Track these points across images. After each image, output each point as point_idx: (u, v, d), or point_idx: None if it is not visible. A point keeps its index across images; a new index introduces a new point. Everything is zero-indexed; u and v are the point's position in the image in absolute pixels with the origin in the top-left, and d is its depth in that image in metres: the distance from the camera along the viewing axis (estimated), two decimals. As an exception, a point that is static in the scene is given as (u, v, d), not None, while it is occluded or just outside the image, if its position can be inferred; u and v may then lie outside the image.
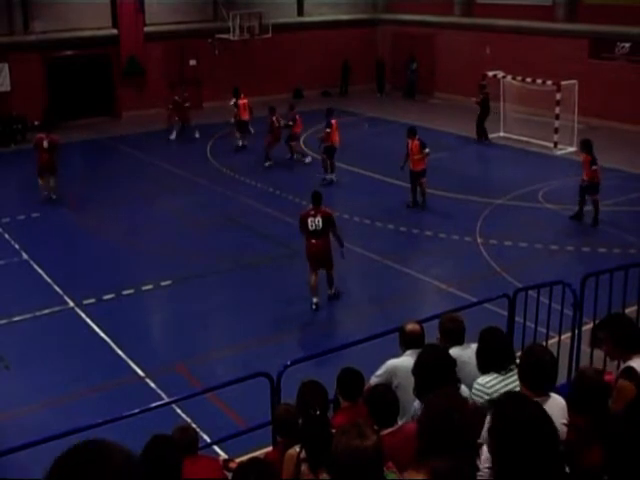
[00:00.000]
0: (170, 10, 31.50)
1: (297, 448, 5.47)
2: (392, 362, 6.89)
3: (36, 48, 28.83)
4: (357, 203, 19.70)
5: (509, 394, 4.47)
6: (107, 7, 30.53)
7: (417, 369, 5.70)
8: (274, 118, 23.81)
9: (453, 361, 5.76)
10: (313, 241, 13.35)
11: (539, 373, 5.17)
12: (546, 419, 3.83)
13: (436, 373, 5.50)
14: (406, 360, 6.64)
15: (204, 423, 9.02)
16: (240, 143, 25.70)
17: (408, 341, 6.91)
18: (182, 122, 27.57)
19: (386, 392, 5.86)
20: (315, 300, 13.58)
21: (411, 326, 7.01)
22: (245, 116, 25.58)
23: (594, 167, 17.45)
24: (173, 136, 27.41)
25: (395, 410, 5.68)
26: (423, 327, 7.07)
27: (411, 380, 5.77)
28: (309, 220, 13.34)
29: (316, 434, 5.29)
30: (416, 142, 19.06)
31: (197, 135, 27.36)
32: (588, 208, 17.67)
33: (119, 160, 22.56)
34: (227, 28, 31.53)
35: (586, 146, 17.74)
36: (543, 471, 3.66)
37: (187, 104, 27.77)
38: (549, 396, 5.17)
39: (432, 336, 7.10)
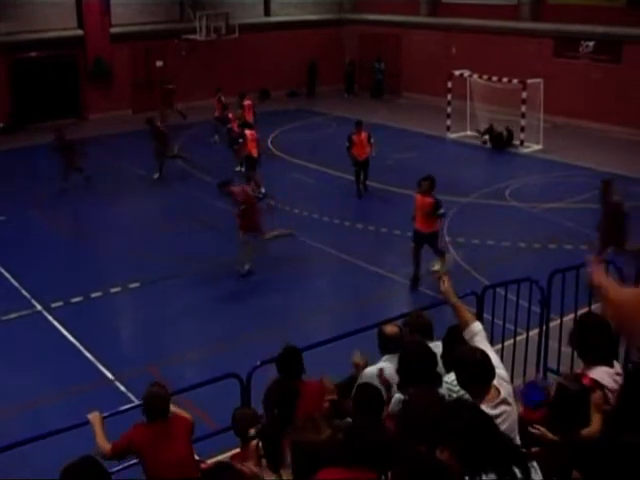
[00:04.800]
0: (136, 11, 31.29)
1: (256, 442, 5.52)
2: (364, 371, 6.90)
3: (0, 49, 28.48)
4: (325, 202, 19.75)
5: (454, 401, 4.58)
6: (72, 8, 30.22)
7: (401, 364, 5.78)
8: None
9: (435, 357, 5.84)
10: None
11: (474, 376, 5.04)
12: (488, 423, 3.94)
13: (420, 369, 5.58)
14: (373, 369, 6.70)
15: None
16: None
17: (387, 344, 6.88)
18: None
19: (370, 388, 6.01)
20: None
21: (390, 328, 7.01)
22: (250, 118, 24.95)
23: None
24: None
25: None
26: (401, 329, 7.07)
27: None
28: None
29: (273, 433, 5.33)
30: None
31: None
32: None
33: (86, 162, 22.33)
34: (193, 29, 31.32)
35: None
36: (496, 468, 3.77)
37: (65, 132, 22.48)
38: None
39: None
